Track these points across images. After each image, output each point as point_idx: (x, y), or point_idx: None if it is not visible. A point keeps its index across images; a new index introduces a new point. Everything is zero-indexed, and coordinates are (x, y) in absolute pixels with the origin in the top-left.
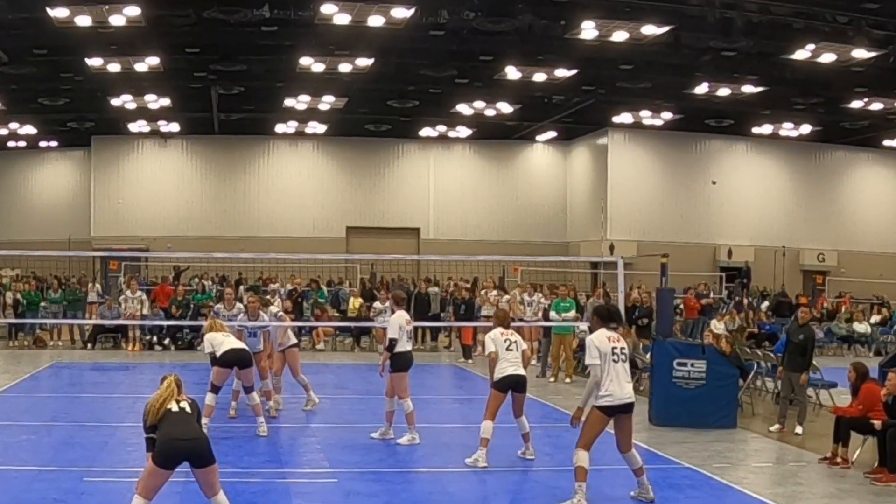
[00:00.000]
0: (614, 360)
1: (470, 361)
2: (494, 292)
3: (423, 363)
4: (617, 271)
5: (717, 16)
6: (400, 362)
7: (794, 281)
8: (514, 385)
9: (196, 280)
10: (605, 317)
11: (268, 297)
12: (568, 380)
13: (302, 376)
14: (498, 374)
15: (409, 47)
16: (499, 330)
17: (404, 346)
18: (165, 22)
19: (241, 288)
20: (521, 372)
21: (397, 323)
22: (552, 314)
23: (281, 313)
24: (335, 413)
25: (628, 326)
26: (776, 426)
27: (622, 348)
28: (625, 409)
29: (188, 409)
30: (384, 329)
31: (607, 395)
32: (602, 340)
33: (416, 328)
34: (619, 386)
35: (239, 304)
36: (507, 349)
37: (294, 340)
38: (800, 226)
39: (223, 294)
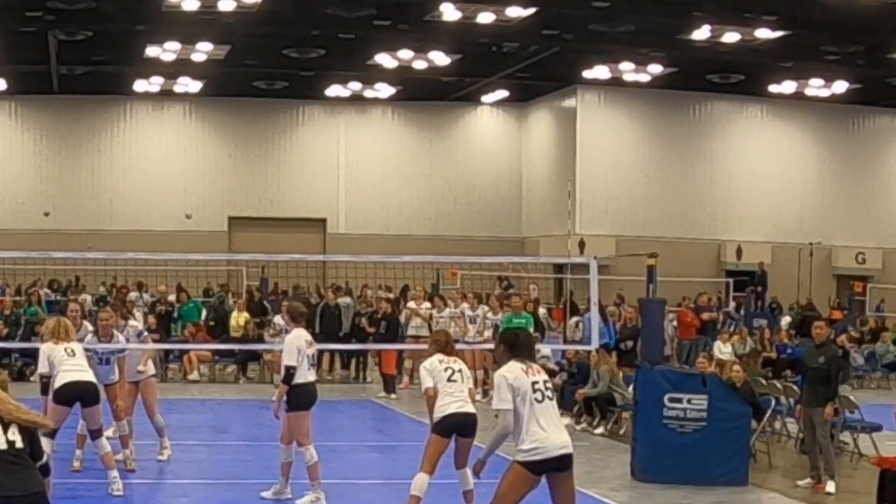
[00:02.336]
0: (537, 400)
1: (393, 397)
2: (426, 304)
3: (332, 399)
4: (589, 276)
5: None
6: (300, 398)
7: (824, 289)
8: (459, 427)
9: (31, 288)
10: (514, 344)
11: (75, 305)
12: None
13: (159, 417)
14: (438, 414)
15: None
16: (437, 357)
17: (305, 376)
18: None
19: (89, 298)
20: (469, 409)
21: (294, 345)
22: None
23: (144, 332)
24: (214, 465)
25: (604, 350)
26: (807, 480)
27: (545, 381)
28: (561, 465)
29: (18, 446)
30: (281, 353)
31: (534, 447)
32: (517, 375)
33: (320, 352)
34: (549, 433)
35: (87, 324)
36: (450, 380)
37: (153, 370)
38: (832, 216)
39: (66, 307)
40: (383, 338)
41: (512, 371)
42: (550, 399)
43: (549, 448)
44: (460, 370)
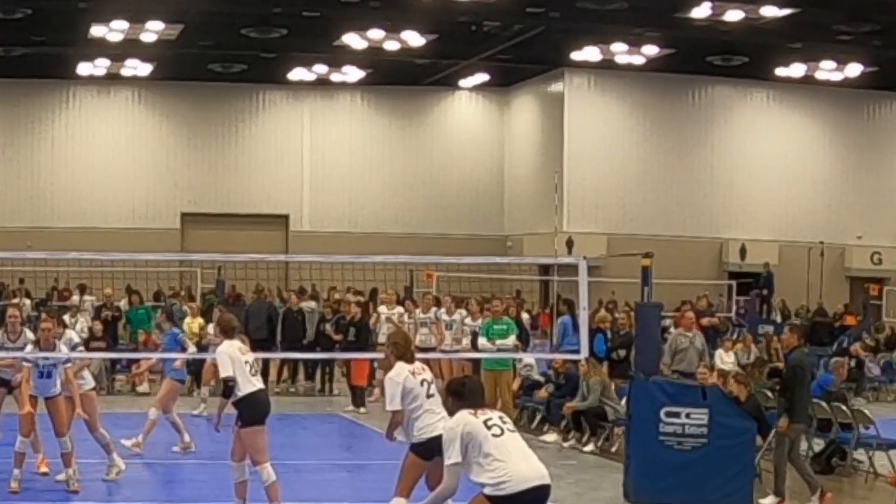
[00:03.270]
0: (495, 435)
1: (363, 410)
2: (399, 309)
3: (295, 413)
4: (578, 278)
5: None
6: (251, 410)
7: (836, 291)
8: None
9: None
10: (460, 394)
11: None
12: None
13: (102, 431)
14: (421, 433)
15: None
16: (406, 368)
17: (251, 384)
18: None
19: (28, 303)
20: None
21: (226, 355)
22: (482, 341)
23: (79, 343)
24: (166, 485)
25: (595, 360)
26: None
27: (500, 416)
28: (538, 498)
29: None
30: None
31: (503, 479)
32: (467, 421)
33: (286, 362)
34: (514, 463)
35: (28, 332)
36: (429, 395)
37: (92, 383)
38: (845, 212)
39: (3, 314)
40: (353, 346)
41: (462, 422)
42: (512, 431)
43: (516, 480)
44: (432, 381)
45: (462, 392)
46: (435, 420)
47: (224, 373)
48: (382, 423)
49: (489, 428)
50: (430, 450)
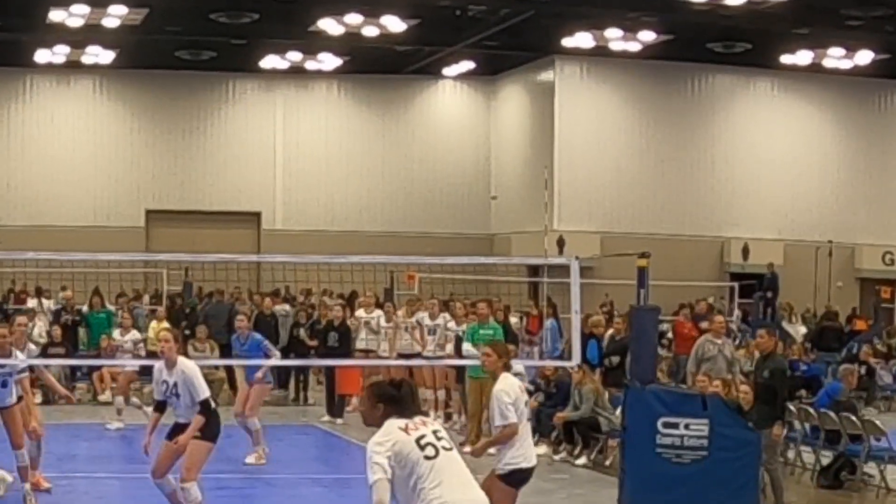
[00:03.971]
0: (428, 457)
1: (339, 421)
2: (378, 312)
3: (267, 424)
4: (570, 280)
5: None
6: (215, 424)
7: (846, 294)
8: (527, 480)
9: None
10: (392, 398)
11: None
12: (493, 450)
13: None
14: (514, 460)
15: None
16: (515, 382)
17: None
18: None
19: None
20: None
21: (199, 371)
22: (466, 346)
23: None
24: (126, 500)
25: (587, 366)
26: None
27: (435, 432)
28: None
29: None
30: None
31: None
32: (396, 438)
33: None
34: (452, 493)
35: None
36: (529, 419)
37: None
38: (855, 209)
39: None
40: (336, 352)
41: (391, 437)
42: (448, 450)
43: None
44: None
45: (394, 397)
46: (528, 450)
47: (205, 394)
48: (362, 434)
49: (422, 448)
50: (521, 479)
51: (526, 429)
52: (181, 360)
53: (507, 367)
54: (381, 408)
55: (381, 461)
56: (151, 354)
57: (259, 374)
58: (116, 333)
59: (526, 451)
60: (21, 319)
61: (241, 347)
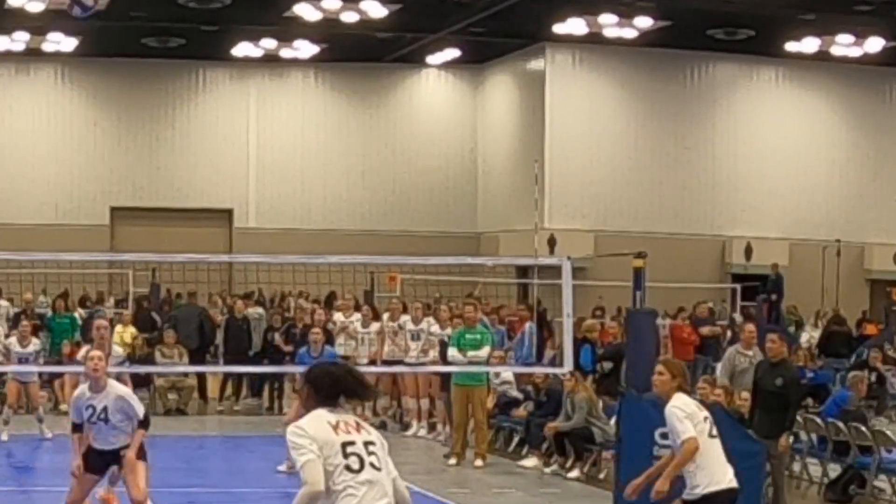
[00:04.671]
0: (351, 469)
1: None
2: (357, 316)
3: (239, 435)
4: (561, 281)
5: None
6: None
7: (855, 296)
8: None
9: None
10: (325, 387)
11: None
12: (480, 462)
13: None
14: (703, 482)
15: None
16: (690, 401)
17: None
18: None
19: None
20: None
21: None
22: (452, 352)
23: None
24: None
25: (580, 373)
26: None
27: (368, 442)
28: None
29: None
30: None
31: None
32: (324, 433)
33: (230, 377)
34: None
35: None
36: (711, 436)
37: None
38: (865, 206)
39: None
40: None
41: (315, 432)
42: (376, 469)
43: None
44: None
45: (324, 384)
46: (728, 472)
47: (143, 410)
48: None
49: (346, 456)
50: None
51: (712, 447)
52: (111, 382)
53: (683, 390)
54: (308, 392)
55: (308, 444)
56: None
57: None
58: (13, 341)
59: (715, 472)
60: (100, 323)
61: (312, 361)
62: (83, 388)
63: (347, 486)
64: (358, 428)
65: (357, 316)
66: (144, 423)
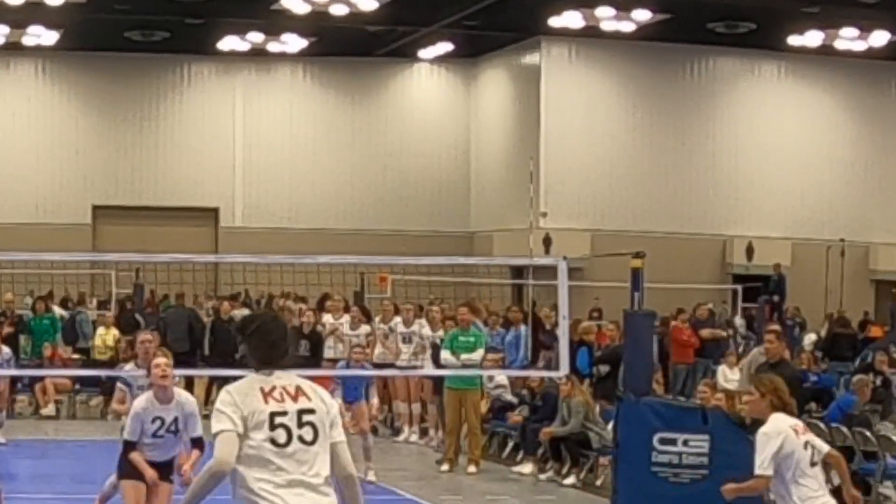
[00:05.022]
0: (276, 443)
1: None
2: (346, 318)
3: None
4: (557, 282)
5: None
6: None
7: (860, 297)
8: None
9: None
10: (262, 349)
11: None
12: (473, 468)
13: None
14: None
15: None
16: (785, 423)
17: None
18: None
19: None
20: None
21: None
22: (444, 355)
23: None
24: None
25: (576, 377)
26: None
27: (302, 410)
28: None
29: None
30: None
31: None
32: (251, 400)
33: (216, 380)
34: (286, 499)
35: None
36: (812, 464)
37: None
38: (870, 205)
39: None
40: (307, 362)
41: (242, 393)
42: (308, 442)
43: None
44: (815, 448)
45: (260, 347)
46: (819, 497)
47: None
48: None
49: (273, 427)
50: None
51: (812, 479)
52: (178, 391)
53: (782, 409)
54: (250, 356)
55: (231, 413)
56: (98, 364)
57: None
58: None
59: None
60: (145, 336)
61: None
62: (147, 396)
63: (272, 461)
64: (297, 395)
65: (346, 318)
66: (200, 442)
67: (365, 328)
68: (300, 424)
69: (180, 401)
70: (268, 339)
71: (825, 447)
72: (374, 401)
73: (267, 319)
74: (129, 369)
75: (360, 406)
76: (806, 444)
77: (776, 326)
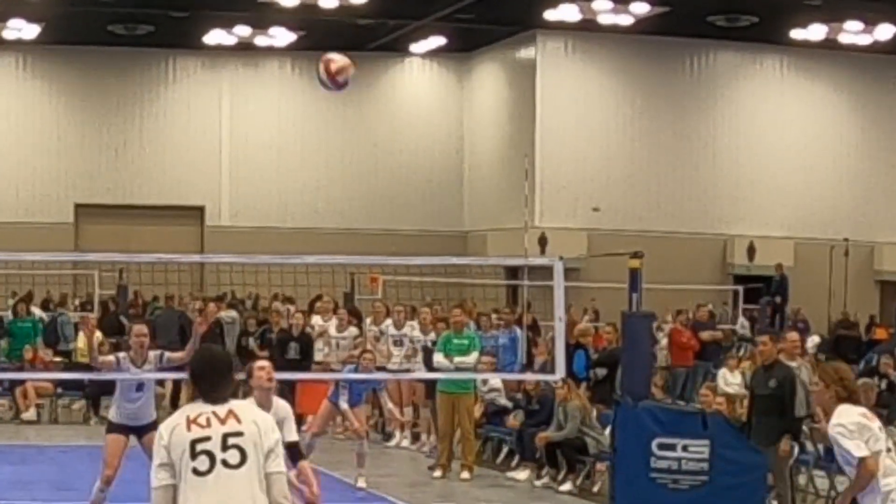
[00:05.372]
0: (198, 471)
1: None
2: (334, 321)
3: None
4: (553, 283)
5: None
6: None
7: (864, 298)
8: None
9: None
10: (197, 375)
11: None
12: (466, 474)
13: None
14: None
15: None
16: (855, 411)
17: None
18: None
19: None
20: None
21: None
22: (437, 358)
23: None
24: None
25: (572, 380)
26: None
27: (226, 436)
28: None
29: None
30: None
31: None
32: (177, 432)
33: None
34: None
35: None
36: (889, 449)
37: None
38: (875, 204)
39: None
40: (293, 363)
41: (171, 428)
42: (232, 466)
43: None
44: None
45: (196, 373)
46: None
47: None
48: (322, 456)
49: (194, 455)
50: None
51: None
52: (276, 399)
53: (847, 398)
54: (194, 386)
55: (162, 457)
56: (80, 367)
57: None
58: None
59: None
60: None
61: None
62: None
63: (192, 492)
64: (225, 419)
65: (335, 321)
66: (298, 450)
67: (353, 330)
68: (224, 448)
69: (279, 409)
70: (206, 373)
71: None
72: (390, 405)
73: (207, 355)
74: (122, 356)
75: (360, 409)
76: (880, 428)
77: (794, 334)
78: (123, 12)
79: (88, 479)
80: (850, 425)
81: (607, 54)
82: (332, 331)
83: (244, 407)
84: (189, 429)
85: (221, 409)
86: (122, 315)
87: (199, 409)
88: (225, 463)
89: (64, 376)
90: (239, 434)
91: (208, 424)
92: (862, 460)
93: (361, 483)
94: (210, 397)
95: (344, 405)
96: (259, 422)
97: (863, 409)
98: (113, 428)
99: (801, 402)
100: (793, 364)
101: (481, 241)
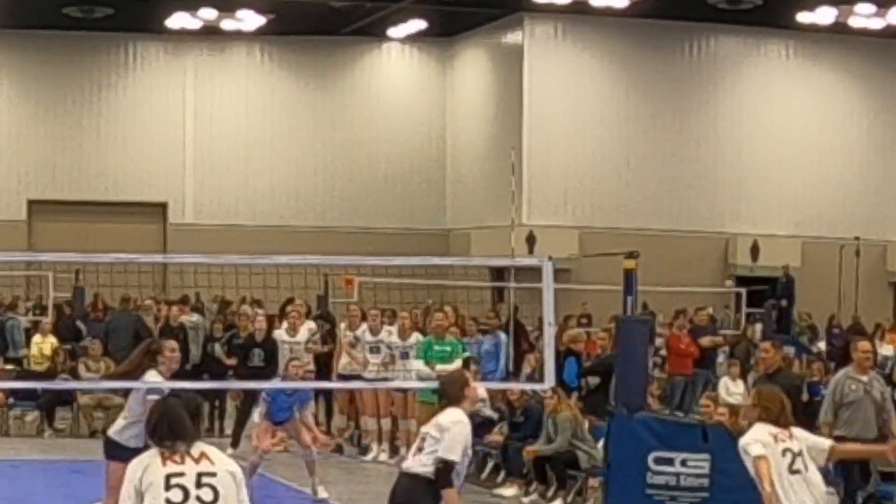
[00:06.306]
0: (173, 502)
1: (230, 451)
2: (309, 326)
3: None
4: (542, 284)
5: None
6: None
7: (875, 300)
8: None
9: None
10: (162, 435)
11: None
12: None
13: None
14: None
15: None
16: (763, 431)
17: None
18: None
19: None
20: None
21: None
22: (418, 365)
23: None
24: None
25: (562, 390)
26: None
27: (202, 475)
28: None
29: None
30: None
31: None
32: (151, 468)
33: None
34: None
35: None
36: (792, 471)
37: None
38: (888, 200)
39: None
40: (256, 371)
41: (142, 466)
42: (206, 503)
43: None
44: (799, 452)
45: (157, 433)
46: None
47: None
48: (288, 470)
49: (169, 487)
50: None
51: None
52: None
53: (767, 420)
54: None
55: (131, 493)
56: (34, 375)
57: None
58: None
59: None
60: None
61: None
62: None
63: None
64: (199, 459)
65: (311, 325)
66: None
67: (303, 335)
68: (199, 485)
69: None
70: (168, 432)
71: (823, 448)
72: (310, 419)
73: (164, 411)
74: (149, 378)
75: (294, 423)
76: (785, 450)
77: (866, 343)
78: None
79: (43, 495)
80: (755, 437)
81: (600, 39)
82: (284, 335)
83: (214, 451)
84: (164, 464)
85: (195, 450)
86: (78, 319)
87: (173, 447)
88: (199, 499)
89: (16, 385)
90: (212, 474)
91: (183, 461)
92: (755, 459)
93: (322, 493)
94: (179, 444)
95: (256, 418)
96: (235, 473)
97: (776, 431)
98: (130, 455)
99: (871, 418)
100: (863, 379)
101: (465, 239)
